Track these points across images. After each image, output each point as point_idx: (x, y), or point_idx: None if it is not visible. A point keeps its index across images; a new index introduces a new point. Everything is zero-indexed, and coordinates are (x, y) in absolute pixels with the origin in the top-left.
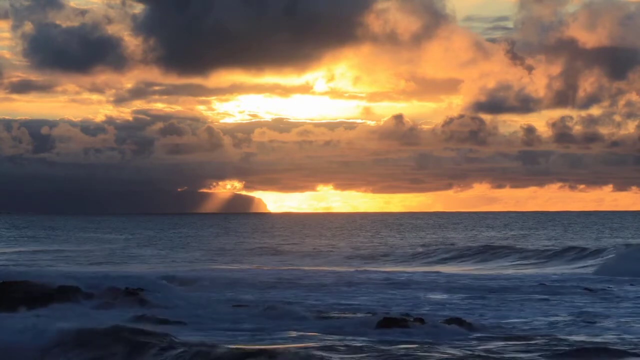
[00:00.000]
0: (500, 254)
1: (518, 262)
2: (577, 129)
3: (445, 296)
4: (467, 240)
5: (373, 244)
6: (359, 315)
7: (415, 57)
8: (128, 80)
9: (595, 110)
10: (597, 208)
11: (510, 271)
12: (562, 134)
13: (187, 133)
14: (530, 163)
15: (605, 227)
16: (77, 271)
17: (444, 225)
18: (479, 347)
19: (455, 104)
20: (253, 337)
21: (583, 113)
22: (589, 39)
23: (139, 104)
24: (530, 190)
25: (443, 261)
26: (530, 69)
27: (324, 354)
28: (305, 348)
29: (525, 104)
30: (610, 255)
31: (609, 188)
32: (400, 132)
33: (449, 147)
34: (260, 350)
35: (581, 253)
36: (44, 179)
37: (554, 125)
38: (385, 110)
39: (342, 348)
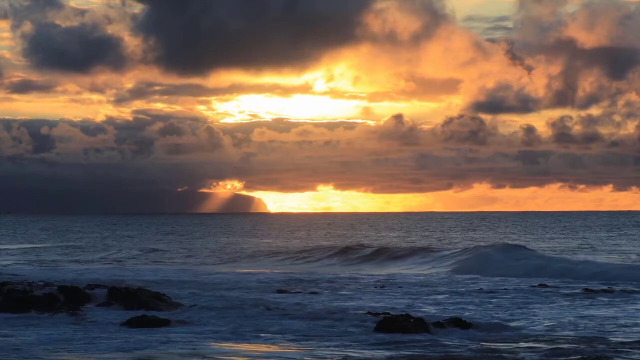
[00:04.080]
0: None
1: (371, 262)
2: (577, 129)
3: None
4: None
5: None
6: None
7: (415, 57)
8: (128, 80)
9: (594, 110)
10: (597, 208)
11: (364, 270)
12: (561, 134)
13: (187, 133)
14: (530, 163)
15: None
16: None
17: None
18: (480, 347)
19: (455, 104)
20: (253, 338)
21: (583, 113)
22: (588, 39)
23: (139, 104)
24: (530, 190)
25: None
26: (529, 69)
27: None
28: (304, 351)
29: (525, 104)
30: (468, 255)
31: (609, 188)
32: (400, 132)
33: (448, 147)
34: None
35: (454, 253)
36: (44, 179)
37: (553, 125)
38: (385, 110)
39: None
